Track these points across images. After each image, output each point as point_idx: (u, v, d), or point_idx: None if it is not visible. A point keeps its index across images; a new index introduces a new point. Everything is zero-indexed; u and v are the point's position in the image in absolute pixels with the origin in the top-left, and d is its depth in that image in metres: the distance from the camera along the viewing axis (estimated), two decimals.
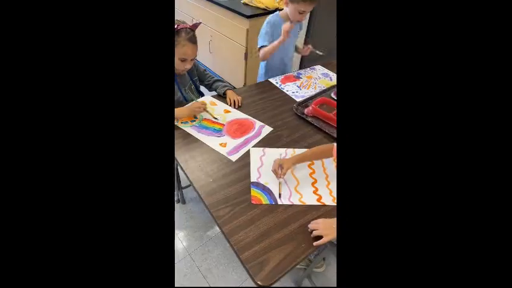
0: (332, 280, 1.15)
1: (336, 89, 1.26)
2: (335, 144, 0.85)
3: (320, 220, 0.69)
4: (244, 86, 2.17)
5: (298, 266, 1.13)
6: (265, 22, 1.28)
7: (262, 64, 1.43)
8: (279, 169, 0.80)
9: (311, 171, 0.88)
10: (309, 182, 0.84)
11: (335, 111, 1.08)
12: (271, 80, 1.35)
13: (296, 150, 0.96)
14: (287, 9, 1.22)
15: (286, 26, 1.16)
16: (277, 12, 1.28)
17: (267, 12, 1.86)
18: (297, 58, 2.27)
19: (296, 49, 1.43)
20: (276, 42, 1.21)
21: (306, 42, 1.39)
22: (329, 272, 1.17)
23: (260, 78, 1.46)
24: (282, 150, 0.95)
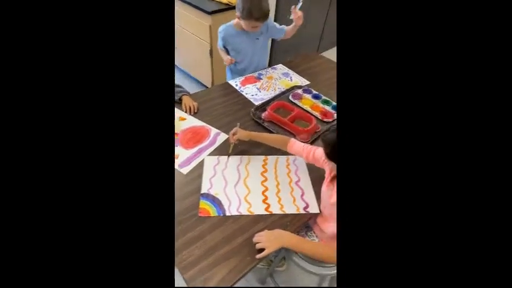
0: (293, 277, 1.21)
1: (294, 91, 1.27)
2: (292, 139, 0.90)
3: (263, 232, 0.71)
4: (212, 83, 2.13)
5: (260, 266, 1.17)
6: (218, 31, 1.29)
7: (228, 71, 1.42)
8: (232, 135, 0.94)
9: (263, 179, 0.90)
10: (260, 191, 0.86)
11: (290, 115, 1.10)
12: (231, 82, 1.33)
13: (251, 157, 0.97)
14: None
15: (227, 60, 1.27)
16: (231, 22, 1.26)
17: (229, 7, 1.81)
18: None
19: (296, 26, 1.31)
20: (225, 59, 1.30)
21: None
22: (289, 270, 1.22)
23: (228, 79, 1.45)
24: (237, 158, 0.96)
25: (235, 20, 1.24)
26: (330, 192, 0.78)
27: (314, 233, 0.90)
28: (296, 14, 1.22)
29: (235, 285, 0.66)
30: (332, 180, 0.79)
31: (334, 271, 0.88)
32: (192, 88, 2.16)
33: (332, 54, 2.81)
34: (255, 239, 0.70)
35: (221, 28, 1.28)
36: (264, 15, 1.14)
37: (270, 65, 2.33)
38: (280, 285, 1.17)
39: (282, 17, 2.07)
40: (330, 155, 0.67)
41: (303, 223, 0.81)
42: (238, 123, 0.99)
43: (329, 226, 0.82)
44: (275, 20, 2.10)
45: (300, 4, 1.22)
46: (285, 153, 0.97)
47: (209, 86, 2.13)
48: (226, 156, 0.95)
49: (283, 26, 1.37)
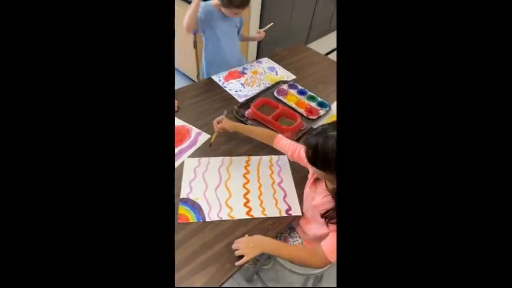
0: (279, 274, 1.22)
1: (279, 87, 1.24)
2: (279, 135, 0.88)
3: (243, 239, 0.69)
4: (197, 75, 2.07)
5: (246, 265, 1.17)
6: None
7: (203, 61, 1.36)
8: (217, 123, 0.92)
9: (245, 181, 0.88)
10: (242, 194, 0.84)
11: (275, 113, 1.06)
12: (213, 77, 1.29)
13: (234, 158, 0.94)
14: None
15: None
16: (210, 1, 1.19)
17: None
18: (252, 47, 2.19)
19: (253, 39, 1.46)
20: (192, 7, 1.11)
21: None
22: (275, 267, 1.22)
23: (203, 74, 1.39)
24: (218, 160, 0.93)
25: (213, 1, 1.17)
26: (312, 194, 0.77)
27: (297, 233, 0.90)
28: (260, 34, 1.37)
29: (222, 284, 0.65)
30: (314, 181, 0.78)
31: (318, 270, 0.88)
32: (176, 81, 2.09)
33: (319, 45, 2.75)
34: (234, 246, 0.69)
35: (202, 5, 1.17)
36: (245, 1, 1.10)
37: (258, 56, 2.29)
38: (267, 283, 1.17)
39: (268, 9, 2.00)
40: (312, 160, 0.65)
41: (285, 226, 0.80)
42: (225, 111, 0.96)
43: (311, 228, 0.81)
44: (262, 14, 2.04)
45: (268, 26, 1.37)
46: (269, 152, 0.95)
47: (194, 78, 2.07)
48: (207, 158, 0.92)
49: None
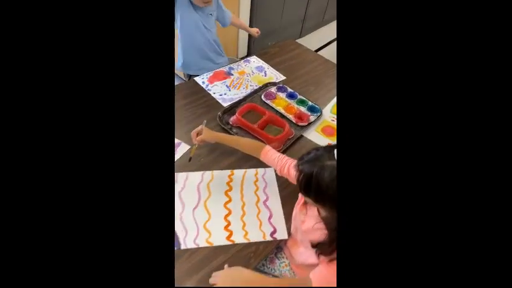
0: None
1: (267, 89, 1.15)
2: (267, 146, 0.79)
3: (220, 272, 0.62)
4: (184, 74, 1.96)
5: None
6: None
7: (180, 53, 1.26)
8: (196, 135, 0.83)
9: (227, 199, 0.80)
10: (222, 215, 0.76)
11: (261, 120, 0.98)
12: (197, 79, 1.19)
13: (215, 173, 0.86)
14: None
15: None
16: None
17: None
18: (243, 40, 2.08)
19: (248, 31, 1.45)
20: None
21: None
22: None
23: (178, 68, 1.30)
24: (197, 175, 0.84)
25: None
26: (302, 217, 0.70)
27: (284, 254, 0.83)
28: (258, 33, 1.39)
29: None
30: (305, 203, 0.70)
31: None
32: None
33: (313, 39, 2.64)
34: (211, 280, 0.62)
35: None
36: None
37: (249, 50, 2.18)
38: None
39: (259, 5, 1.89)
40: (304, 190, 0.57)
41: (269, 252, 0.72)
42: (205, 121, 0.88)
43: (300, 253, 0.74)
44: (252, 7, 1.92)
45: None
46: (255, 165, 0.87)
47: (180, 75, 1.97)
48: (185, 173, 0.84)
49: (228, 10, 1.26)
